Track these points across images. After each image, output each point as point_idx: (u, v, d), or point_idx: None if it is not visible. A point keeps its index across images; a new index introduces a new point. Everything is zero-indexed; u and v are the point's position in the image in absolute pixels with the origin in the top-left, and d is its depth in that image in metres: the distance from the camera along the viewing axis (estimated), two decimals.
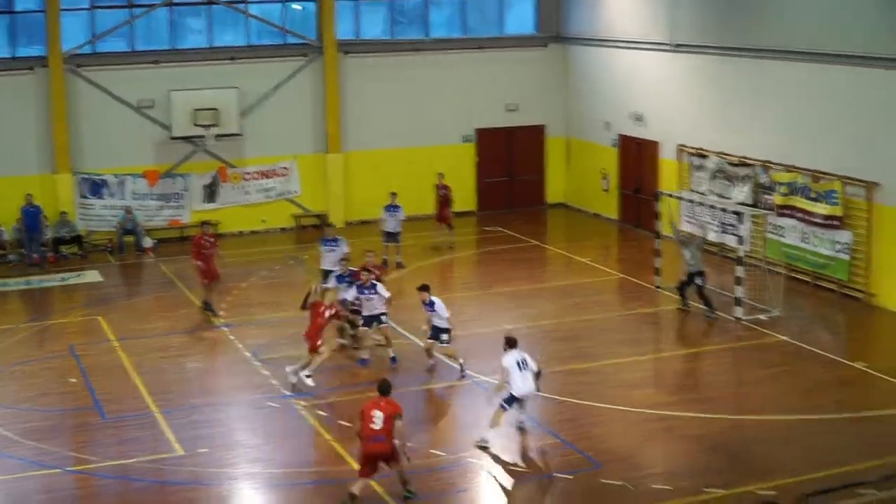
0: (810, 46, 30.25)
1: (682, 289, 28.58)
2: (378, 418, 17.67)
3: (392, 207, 33.56)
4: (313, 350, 23.16)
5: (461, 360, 23.91)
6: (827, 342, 26.73)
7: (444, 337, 23.87)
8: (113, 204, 36.79)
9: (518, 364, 20.09)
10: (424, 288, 24.12)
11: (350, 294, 25.11)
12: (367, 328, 24.99)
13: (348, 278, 25.62)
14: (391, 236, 33.40)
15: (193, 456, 19.88)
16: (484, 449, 20.12)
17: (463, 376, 23.75)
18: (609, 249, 36.69)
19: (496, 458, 19.95)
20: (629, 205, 39.13)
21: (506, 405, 20.18)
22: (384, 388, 18.26)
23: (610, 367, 24.68)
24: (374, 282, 24.98)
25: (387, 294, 24.90)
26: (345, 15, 39.41)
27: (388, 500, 18.02)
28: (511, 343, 20.41)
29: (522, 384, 20.05)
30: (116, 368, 24.84)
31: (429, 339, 24.14)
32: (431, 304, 23.83)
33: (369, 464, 17.85)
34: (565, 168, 42.48)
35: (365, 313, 24.87)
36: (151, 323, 28.50)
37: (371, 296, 24.74)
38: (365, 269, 25.54)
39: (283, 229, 38.85)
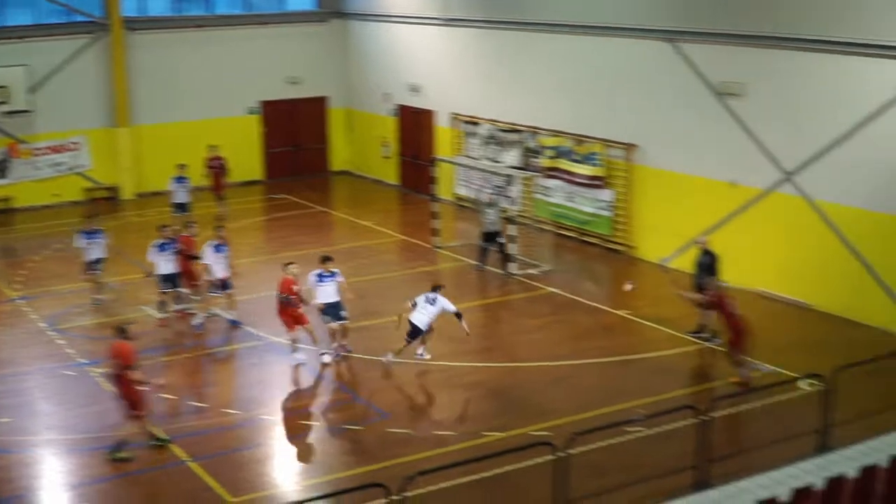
0: (572, 19, 30.84)
1: (483, 249, 28.83)
2: (112, 364, 17.76)
3: (180, 179, 32.98)
4: (295, 327, 22.13)
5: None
6: (593, 293, 27.42)
7: (344, 313, 22.48)
8: None
9: (425, 300, 21.85)
10: (329, 258, 22.62)
11: (209, 257, 24.23)
12: (218, 292, 24.50)
13: (171, 245, 24.95)
14: (181, 207, 32.83)
15: None
16: (425, 360, 22.02)
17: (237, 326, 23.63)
18: (390, 213, 36.76)
19: (287, 413, 19.96)
20: (408, 171, 39.32)
21: (408, 338, 21.75)
22: (119, 331, 18.10)
23: (395, 323, 24.73)
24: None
25: None
26: None
27: (188, 461, 17.83)
28: (434, 287, 22.17)
29: (418, 315, 21.71)
30: None
31: (332, 325, 22.34)
32: (332, 275, 22.35)
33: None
34: (348, 137, 42.40)
35: (221, 275, 24.38)
36: None
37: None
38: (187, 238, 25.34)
39: (74, 202, 37.74)
